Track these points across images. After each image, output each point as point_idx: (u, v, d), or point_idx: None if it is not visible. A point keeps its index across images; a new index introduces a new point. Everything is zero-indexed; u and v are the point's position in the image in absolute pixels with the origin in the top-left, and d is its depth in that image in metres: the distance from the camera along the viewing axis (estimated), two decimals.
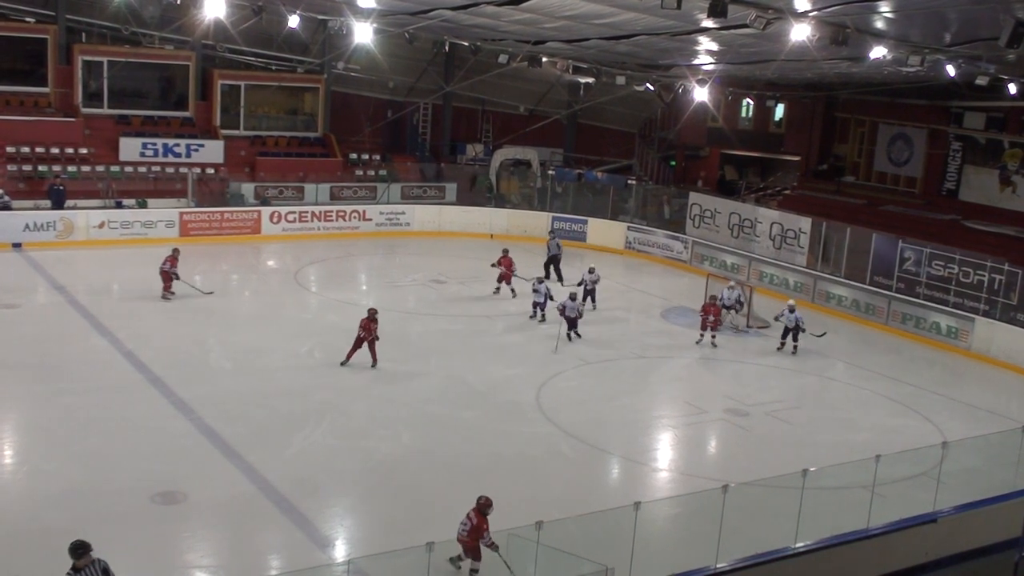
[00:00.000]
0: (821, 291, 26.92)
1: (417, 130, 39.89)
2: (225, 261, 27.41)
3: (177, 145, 32.69)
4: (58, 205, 28.04)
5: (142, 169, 31.88)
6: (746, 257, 29.23)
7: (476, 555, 11.26)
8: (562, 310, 21.60)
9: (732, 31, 19.70)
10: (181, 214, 29.29)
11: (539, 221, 32.01)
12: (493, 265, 25.31)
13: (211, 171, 32.54)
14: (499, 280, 25.22)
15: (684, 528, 13.48)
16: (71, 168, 30.65)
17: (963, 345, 23.44)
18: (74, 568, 9.46)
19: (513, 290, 25.11)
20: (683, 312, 25.07)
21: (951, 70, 22.38)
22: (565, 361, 20.47)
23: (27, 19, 32.73)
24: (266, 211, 30.83)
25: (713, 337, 22.39)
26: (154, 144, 32.38)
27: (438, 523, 12.35)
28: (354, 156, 36.16)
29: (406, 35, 27.95)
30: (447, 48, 30.87)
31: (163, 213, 29.20)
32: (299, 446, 15.32)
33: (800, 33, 17.33)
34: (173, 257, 22.90)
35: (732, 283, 24.53)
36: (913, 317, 24.59)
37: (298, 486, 13.82)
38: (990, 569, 14.00)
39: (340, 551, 12.32)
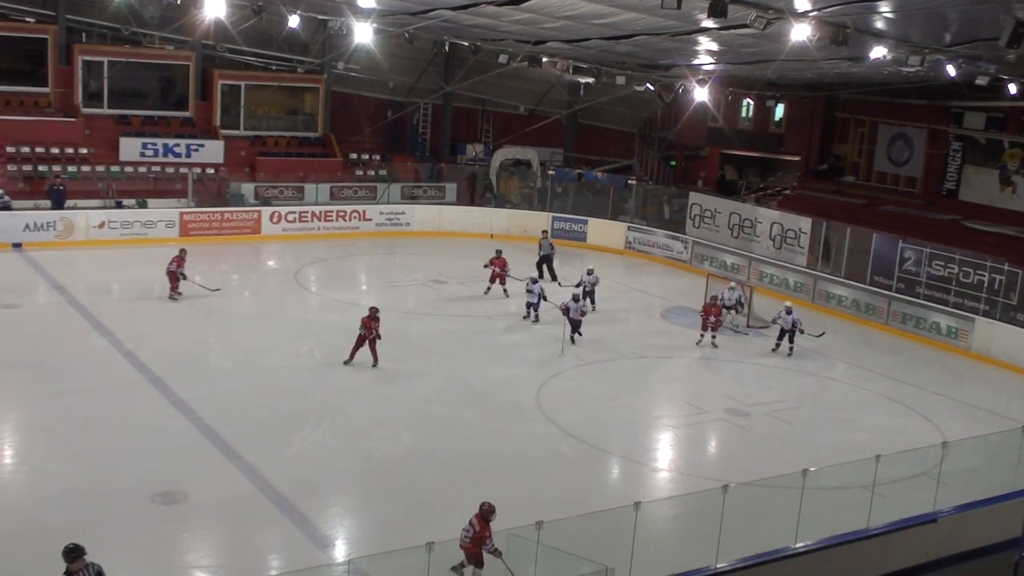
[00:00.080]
0: (821, 291, 26.92)
1: (417, 130, 39.89)
2: (225, 261, 27.40)
3: (177, 145, 32.68)
4: (58, 205, 28.04)
5: (142, 169, 31.87)
6: (746, 257, 29.23)
7: (479, 562, 11.14)
8: (565, 311, 21.46)
9: (732, 31, 19.70)
10: (181, 214, 29.29)
11: (539, 221, 32.01)
12: (486, 266, 25.31)
13: (211, 171, 32.53)
14: (491, 280, 25.22)
15: (684, 528, 13.48)
16: (71, 168, 30.65)
17: (963, 345, 23.44)
18: (68, 572, 9.41)
19: (505, 290, 25.10)
20: (683, 312, 25.07)
21: (951, 70, 22.38)
22: (565, 361, 20.47)
23: (27, 19, 32.71)
24: (266, 211, 30.84)
25: (713, 337, 22.39)
26: (154, 144, 32.37)
27: (438, 523, 12.37)
28: (354, 156, 36.16)
29: (406, 35, 27.94)
30: (447, 48, 30.86)
31: (163, 213, 29.20)
32: (299, 446, 15.32)
33: (800, 33, 17.33)
34: (180, 258, 22.92)
35: (733, 284, 24.53)
36: (913, 317, 24.59)
37: (298, 486, 13.82)
38: (990, 569, 14.00)
39: (340, 551, 12.32)
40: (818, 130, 36.67)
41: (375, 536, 12.93)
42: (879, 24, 18.36)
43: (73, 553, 9.43)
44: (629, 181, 35.83)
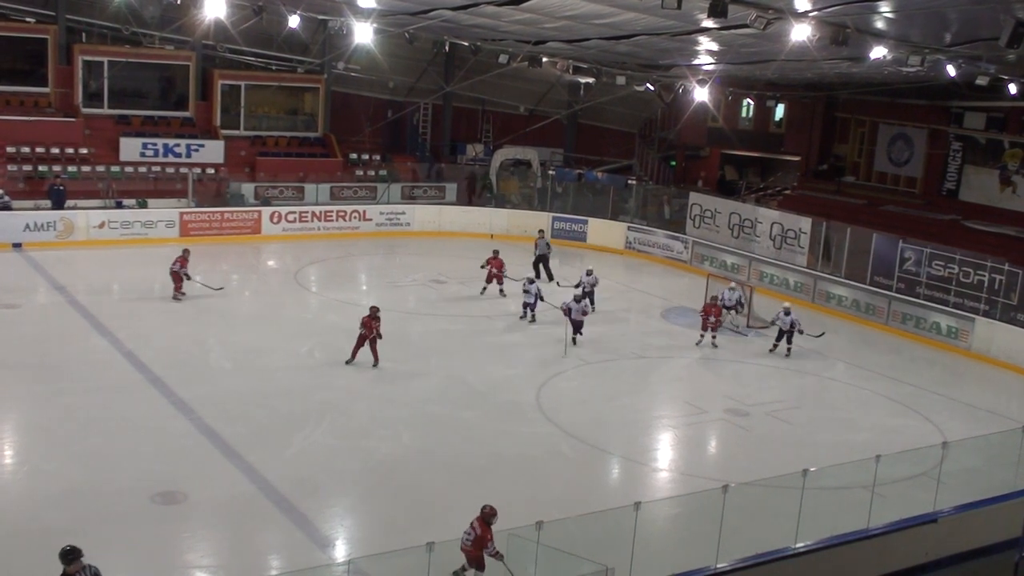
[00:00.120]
0: (821, 291, 26.92)
1: (417, 130, 39.89)
2: (225, 261, 27.39)
3: (177, 145, 32.68)
4: (58, 205, 28.04)
5: (142, 169, 31.87)
6: (746, 257, 29.22)
7: (480, 565, 11.09)
8: (567, 312, 21.36)
9: (732, 31, 19.70)
10: (181, 214, 29.30)
11: (539, 221, 32.00)
12: (483, 266, 25.31)
13: (211, 171, 32.54)
14: (487, 280, 25.22)
15: (684, 528, 13.48)
16: (71, 168, 30.65)
17: (963, 345, 23.44)
18: (65, 574, 9.38)
19: (502, 291, 25.11)
20: (683, 312, 25.07)
21: (951, 70, 22.37)
22: (565, 361, 20.46)
23: (27, 19, 32.72)
24: (266, 211, 30.84)
25: (714, 337, 22.38)
26: (154, 144, 32.37)
27: (438, 523, 12.38)
28: (354, 156, 36.15)
29: (406, 35, 27.94)
30: (447, 48, 30.84)
31: (163, 213, 29.20)
32: (299, 446, 15.32)
33: (800, 33, 17.33)
34: (183, 258, 22.91)
35: (733, 284, 24.53)
36: (913, 317, 24.59)
37: (298, 486, 13.81)
38: (990, 569, 14.00)
39: (340, 551, 12.32)
40: (818, 130, 36.66)
41: (375, 536, 12.93)
42: (879, 24, 18.36)
43: (70, 555, 9.40)
44: (629, 181, 35.82)
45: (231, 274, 26.90)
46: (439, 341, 21.41)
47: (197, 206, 30.01)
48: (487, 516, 11.04)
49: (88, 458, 14.30)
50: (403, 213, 33.12)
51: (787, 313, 21.92)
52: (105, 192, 30.09)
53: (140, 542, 12.11)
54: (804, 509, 12.31)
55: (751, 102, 38.21)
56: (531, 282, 23.47)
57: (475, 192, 36.31)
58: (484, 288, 25.22)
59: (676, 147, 40.71)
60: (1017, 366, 22.24)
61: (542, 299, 22.98)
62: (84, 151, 31.37)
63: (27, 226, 26.92)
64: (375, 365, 18.90)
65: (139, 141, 32.21)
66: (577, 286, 24.06)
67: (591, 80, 32.14)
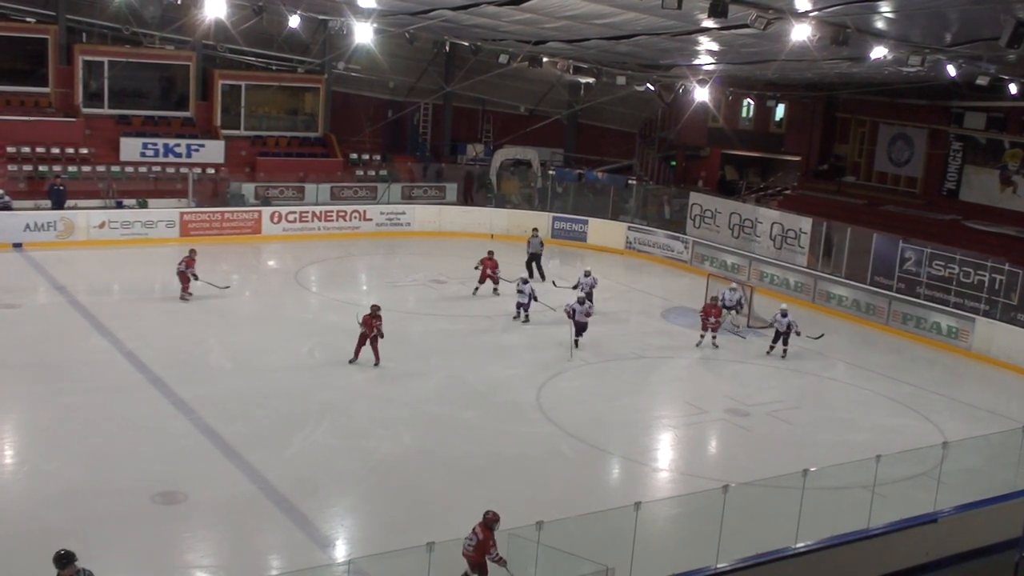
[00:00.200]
0: (821, 291, 26.92)
1: (417, 130, 39.90)
2: (225, 261, 27.37)
3: (177, 145, 32.69)
4: (58, 205, 28.04)
5: (142, 169, 31.88)
6: (746, 257, 29.22)
7: (482, 570, 11.03)
8: (571, 313, 21.20)
9: (732, 31, 19.71)
10: (181, 214, 29.30)
11: (539, 221, 31.98)
12: (476, 267, 25.29)
13: (211, 171, 32.55)
14: (480, 280, 25.22)
15: (684, 528, 13.48)
16: (71, 168, 30.66)
17: (963, 345, 23.43)
18: None
19: (496, 290, 25.10)
20: (683, 312, 25.07)
21: (951, 70, 22.38)
22: (565, 361, 20.45)
23: (27, 19, 32.73)
24: (266, 211, 30.84)
25: (714, 337, 22.37)
26: (155, 144, 32.38)
27: (438, 523, 12.39)
28: (354, 156, 36.16)
29: (406, 35, 27.94)
30: (447, 48, 30.85)
31: (163, 213, 29.21)
32: (299, 446, 15.32)
33: (800, 33, 17.33)
34: (190, 258, 22.92)
35: (734, 284, 24.52)
36: (913, 317, 24.59)
37: (298, 486, 13.81)
38: (990, 569, 13.99)
39: (340, 551, 12.32)
40: (818, 130, 36.67)
41: (375, 536, 12.93)
42: (879, 24, 18.36)
43: (64, 559, 9.34)
44: (629, 181, 35.83)
45: (231, 274, 26.82)
46: (439, 341, 21.41)
47: (197, 206, 30.01)
48: (489, 522, 10.96)
49: (88, 458, 14.30)
50: (403, 213, 33.12)
51: (784, 315, 21.86)
52: (105, 192, 30.10)
53: (140, 542, 12.11)
54: (804, 509, 12.30)
55: (751, 102, 38.21)
56: (525, 282, 23.46)
57: (472, 192, 36.27)
58: (476, 288, 25.22)
59: (676, 147, 40.71)
60: (1017, 366, 22.23)
61: (536, 299, 22.96)
62: (84, 151, 31.39)
63: (27, 226, 26.93)
64: (376, 364, 18.90)
65: (139, 141, 32.22)
66: (575, 287, 24.00)
67: (591, 80, 32.15)
